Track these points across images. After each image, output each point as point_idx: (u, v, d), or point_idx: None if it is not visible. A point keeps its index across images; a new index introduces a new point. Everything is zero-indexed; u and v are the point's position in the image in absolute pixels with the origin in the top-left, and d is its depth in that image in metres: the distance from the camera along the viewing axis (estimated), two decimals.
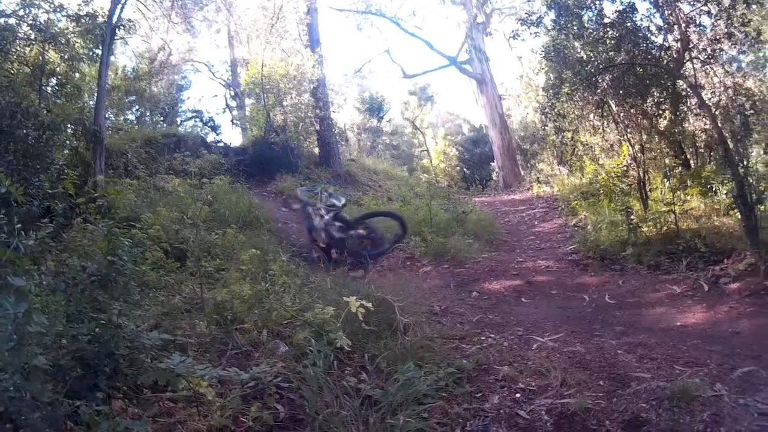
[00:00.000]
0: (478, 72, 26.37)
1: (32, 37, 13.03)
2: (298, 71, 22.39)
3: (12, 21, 12.58)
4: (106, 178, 12.47)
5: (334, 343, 5.30)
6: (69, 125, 13.17)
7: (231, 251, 9.56)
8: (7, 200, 5.51)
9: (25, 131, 10.89)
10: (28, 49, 13.22)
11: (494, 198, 20.71)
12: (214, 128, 29.13)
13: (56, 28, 13.40)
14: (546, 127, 16.99)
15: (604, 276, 9.57)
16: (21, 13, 12.72)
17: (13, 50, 12.48)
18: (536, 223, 14.79)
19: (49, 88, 13.52)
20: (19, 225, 5.43)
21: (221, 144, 24.29)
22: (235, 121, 30.98)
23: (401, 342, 5.97)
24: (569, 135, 14.98)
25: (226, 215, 12.35)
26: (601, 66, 12.41)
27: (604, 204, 13.01)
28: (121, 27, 14.70)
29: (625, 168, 13.00)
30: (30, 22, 12.88)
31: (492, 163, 27.49)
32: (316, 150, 23.72)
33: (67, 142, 13.43)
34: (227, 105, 33.08)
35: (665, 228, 10.58)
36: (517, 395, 5.13)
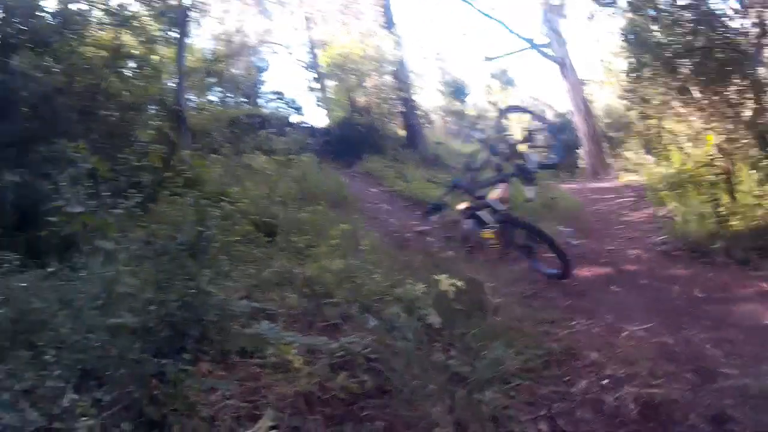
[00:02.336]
0: (558, 55, 26.09)
1: (106, 21, 13.29)
2: (377, 52, 22.61)
3: (84, 6, 12.82)
4: (191, 153, 12.68)
5: (424, 320, 5.29)
6: (151, 105, 13.39)
7: (321, 228, 9.48)
8: (95, 175, 5.63)
9: (107, 112, 11.13)
10: (102, 33, 13.49)
11: (582, 185, 20.51)
12: (298, 109, 29.30)
13: (128, 12, 13.67)
14: (629, 113, 16.79)
15: (694, 268, 9.31)
16: None
17: (88, 34, 12.73)
18: (625, 212, 14.52)
19: (128, 71, 13.81)
20: (109, 194, 5.55)
21: (306, 125, 24.50)
22: (318, 103, 31.23)
23: (490, 322, 5.96)
24: (654, 122, 14.76)
25: (315, 194, 12.32)
26: (680, 50, 12.16)
27: (692, 195, 12.77)
28: (194, 9, 14.93)
29: (711, 158, 12.74)
30: (102, 7, 13.14)
31: (578, 150, 27.15)
32: (402, 132, 23.94)
33: (150, 122, 13.69)
34: (309, 86, 33.35)
35: (755, 222, 10.24)
36: (605, 381, 5.08)
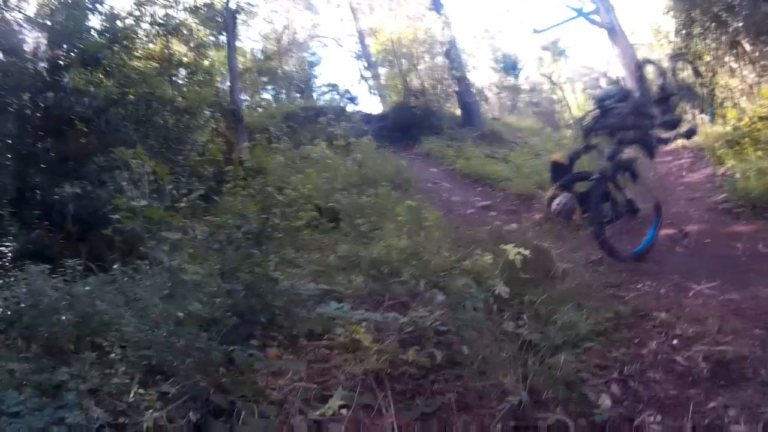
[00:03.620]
0: (606, 22, 25.76)
1: (153, 33, 13.50)
2: (428, 34, 22.66)
3: (130, 21, 13.03)
4: (250, 144, 12.97)
5: (492, 290, 5.31)
6: (206, 108, 13.57)
7: (384, 210, 9.57)
8: (155, 177, 5.76)
9: (162, 119, 11.40)
10: (152, 45, 13.71)
11: None
12: (352, 99, 29.42)
13: (176, 20, 13.84)
14: (682, 72, 16.65)
15: (757, 225, 9.21)
16: (137, 13, 13.18)
17: (138, 48, 12.95)
18: (684, 173, 14.34)
19: (179, 79, 14.01)
20: (171, 188, 5.68)
21: (361, 113, 24.73)
22: (372, 91, 31.33)
23: (558, 288, 5.98)
24: (707, 80, 14.59)
25: (375, 178, 12.38)
26: (728, 3, 11.98)
27: (749, 151, 12.67)
28: (241, 11, 15.13)
29: (767, 112, 12.53)
30: (148, 20, 13.35)
31: None
32: (458, 111, 23.94)
33: (206, 124, 13.87)
34: (361, 76, 33.44)
35: None
36: (674, 341, 5.07)
